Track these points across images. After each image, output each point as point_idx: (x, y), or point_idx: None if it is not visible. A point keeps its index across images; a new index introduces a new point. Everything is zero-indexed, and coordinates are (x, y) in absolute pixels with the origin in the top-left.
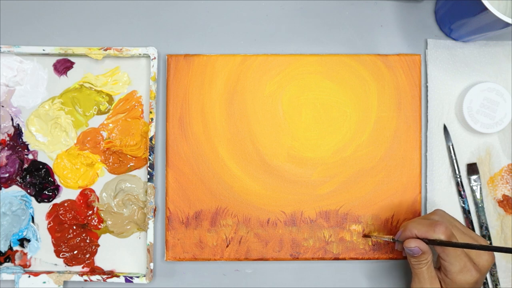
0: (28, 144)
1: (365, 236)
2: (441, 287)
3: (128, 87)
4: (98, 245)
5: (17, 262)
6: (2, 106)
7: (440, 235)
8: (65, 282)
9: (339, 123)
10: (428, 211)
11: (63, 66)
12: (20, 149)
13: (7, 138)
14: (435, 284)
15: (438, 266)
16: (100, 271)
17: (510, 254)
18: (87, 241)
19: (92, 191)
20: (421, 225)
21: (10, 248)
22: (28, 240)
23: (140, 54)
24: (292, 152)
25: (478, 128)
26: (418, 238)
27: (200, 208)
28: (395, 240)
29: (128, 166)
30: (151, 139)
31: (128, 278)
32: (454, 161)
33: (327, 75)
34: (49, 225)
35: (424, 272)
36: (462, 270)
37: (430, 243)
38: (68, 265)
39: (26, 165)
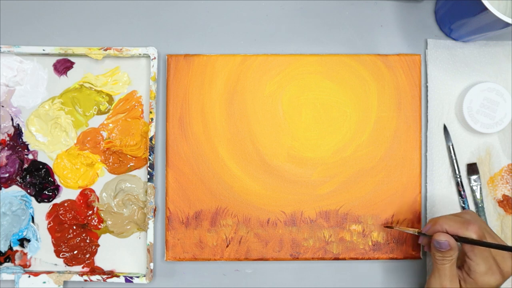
0: (28, 144)
1: (387, 227)
2: (460, 287)
3: (128, 87)
4: (98, 245)
5: (17, 262)
6: (2, 106)
7: (472, 234)
8: (65, 282)
9: (339, 123)
10: (428, 211)
11: (63, 66)
12: (20, 149)
13: (7, 138)
14: (455, 282)
15: (459, 266)
16: (100, 271)
17: (510, 254)
18: (87, 241)
19: (92, 191)
20: (453, 221)
21: (10, 248)
22: (28, 240)
23: (140, 54)
24: (292, 152)
25: (478, 128)
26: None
27: (200, 208)
28: (421, 233)
29: (128, 166)
30: (151, 139)
31: (128, 278)
32: (454, 161)
33: (327, 75)
34: (49, 225)
35: (446, 269)
36: (487, 272)
37: (460, 240)
38: (68, 265)
39: (26, 165)
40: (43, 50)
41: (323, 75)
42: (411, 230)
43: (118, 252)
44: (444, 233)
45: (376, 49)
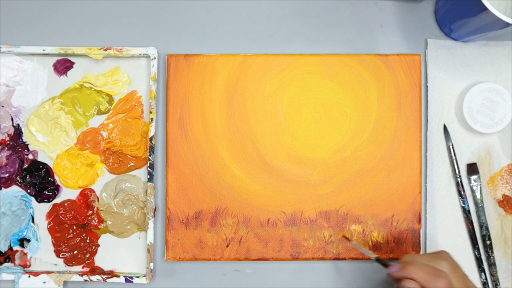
0: (28, 144)
1: (345, 238)
2: None
3: (128, 87)
4: (98, 245)
5: (17, 262)
6: (2, 106)
7: None
8: (65, 282)
9: (339, 123)
10: (428, 211)
11: (63, 66)
12: (20, 149)
13: (7, 138)
14: None
15: None
16: (100, 271)
17: (510, 254)
18: (87, 241)
19: (92, 191)
20: (423, 272)
21: (10, 248)
22: (28, 240)
23: (140, 54)
24: (292, 152)
25: (478, 128)
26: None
27: (200, 208)
28: (379, 261)
29: (128, 166)
30: (151, 139)
31: (128, 278)
32: (454, 161)
33: (327, 75)
34: (49, 225)
35: None
36: None
37: None
38: (68, 265)
39: (26, 165)
40: (43, 50)
41: (323, 75)
42: (369, 253)
43: (118, 252)
44: (415, 282)
45: (376, 49)
